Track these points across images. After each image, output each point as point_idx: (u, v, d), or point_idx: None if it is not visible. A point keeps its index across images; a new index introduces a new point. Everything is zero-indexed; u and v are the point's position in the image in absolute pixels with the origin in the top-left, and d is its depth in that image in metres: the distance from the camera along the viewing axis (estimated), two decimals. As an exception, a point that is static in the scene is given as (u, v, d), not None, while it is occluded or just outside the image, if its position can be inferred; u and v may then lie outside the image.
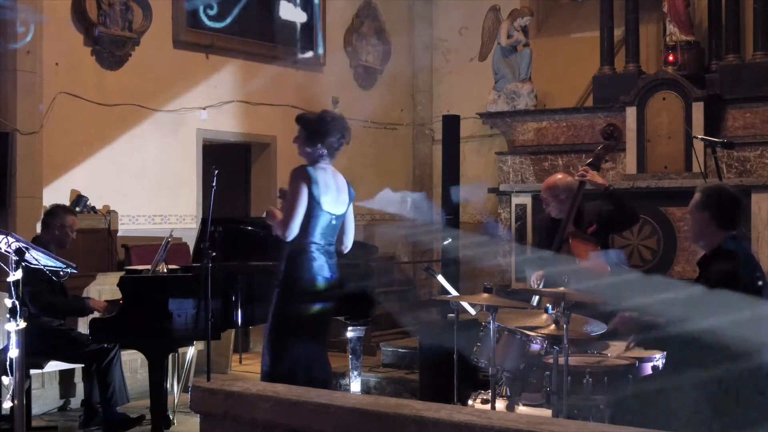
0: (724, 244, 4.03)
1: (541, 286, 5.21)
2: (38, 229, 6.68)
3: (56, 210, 6.16)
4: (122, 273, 6.01)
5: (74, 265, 4.80)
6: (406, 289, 10.03)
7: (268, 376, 4.65)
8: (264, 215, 4.87)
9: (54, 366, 6.03)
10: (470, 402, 4.70)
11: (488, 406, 4.42)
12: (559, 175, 5.66)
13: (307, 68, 10.07)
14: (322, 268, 4.74)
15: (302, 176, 4.68)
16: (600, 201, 5.43)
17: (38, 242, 5.50)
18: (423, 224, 9.71)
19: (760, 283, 3.94)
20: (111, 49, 8.17)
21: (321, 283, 4.75)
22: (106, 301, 6.09)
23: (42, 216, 6.40)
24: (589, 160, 5.60)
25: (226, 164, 8.67)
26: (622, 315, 4.17)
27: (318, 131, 4.75)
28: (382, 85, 11.08)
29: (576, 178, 5.38)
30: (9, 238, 4.38)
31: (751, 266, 4.04)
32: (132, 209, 8.33)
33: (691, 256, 7.89)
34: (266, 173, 9.61)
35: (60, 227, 6.00)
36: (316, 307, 4.78)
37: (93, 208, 7.90)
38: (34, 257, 4.48)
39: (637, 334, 4.22)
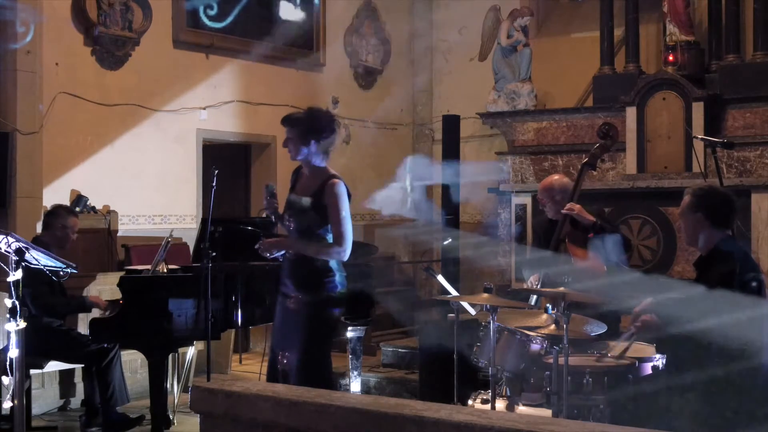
0: (721, 245, 4.02)
1: (539, 287, 5.21)
2: (38, 229, 6.68)
3: (58, 210, 6.15)
4: (122, 273, 6.01)
5: (74, 265, 4.80)
6: (406, 289, 10.03)
7: (305, 380, 4.48)
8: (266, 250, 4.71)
9: (54, 366, 6.03)
10: (470, 402, 4.70)
11: (488, 406, 4.42)
12: (555, 176, 5.66)
13: (307, 68, 10.07)
14: (343, 271, 4.76)
15: (346, 190, 4.61)
16: (597, 206, 5.43)
17: (38, 242, 5.49)
18: (423, 224, 9.73)
19: (758, 282, 3.94)
20: (111, 49, 8.17)
21: (345, 284, 4.76)
22: (107, 300, 6.09)
23: (42, 216, 6.40)
24: (585, 160, 5.60)
25: (226, 164, 8.67)
26: (644, 318, 4.15)
27: (312, 128, 4.63)
28: (382, 85, 11.07)
29: (562, 212, 5.33)
30: (9, 238, 4.38)
31: (749, 265, 4.04)
32: (132, 209, 8.33)
33: (691, 256, 7.88)
34: (266, 173, 9.61)
35: (61, 228, 5.99)
36: (341, 311, 4.81)
37: (93, 208, 7.89)
38: (34, 257, 4.48)
39: (655, 335, 4.22)
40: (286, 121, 4.70)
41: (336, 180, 4.60)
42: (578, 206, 5.29)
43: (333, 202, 4.57)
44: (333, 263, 4.66)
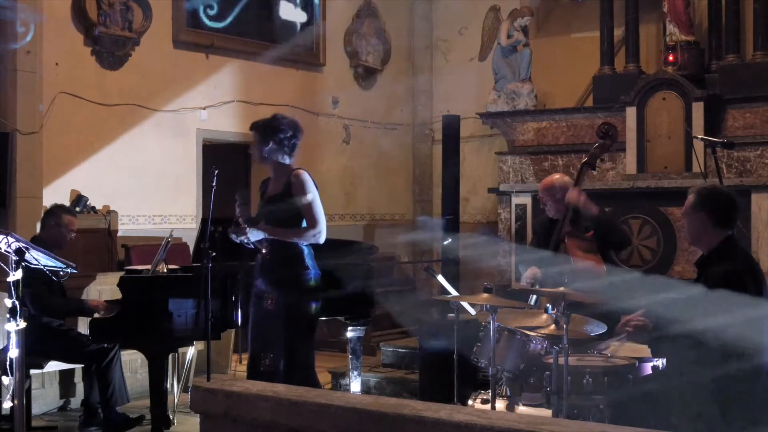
0: (723, 244, 4.03)
1: (536, 286, 5.21)
2: (38, 229, 6.68)
3: (54, 209, 6.16)
4: (122, 273, 6.01)
5: (74, 265, 4.80)
6: (406, 289, 10.03)
7: (293, 378, 4.60)
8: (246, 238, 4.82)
9: (54, 366, 6.03)
10: (470, 402, 4.70)
11: (488, 406, 4.42)
12: (556, 176, 5.66)
13: (307, 68, 10.07)
14: (316, 268, 4.85)
15: (311, 179, 4.83)
16: (597, 206, 5.43)
17: (36, 242, 5.49)
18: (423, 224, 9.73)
19: (759, 282, 3.94)
20: (111, 49, 8.17)
21: (319, 278, 4.84)
22: (106, 301, 6.08)
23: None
24: (584, 160, 5.61)
25: (226, 164, 8.66)
26: (635, 322, 4.15)
27: (267, 129, 4.90)
28: (382, 85, 11.07)
29: (567, 200, 5.33)
30: (9, 238, 4.38)
31: (749, 266, 4.04)
32: (132, 209, 8.33)
33: (691, 257, 7.88)
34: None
35: (55, 226, 5.99)
36: (318, 304, 4.87)
37: (93, 208, 7.89)
38: (34, 257, 4.48)
39: (646, 337, 4.22)
40: (251, 126, 5.02)
41: (300, 171, 4.85)
42: (584, 196, 5.30)
43: (301, 190, 4.77)
44: (307, 260, 4.79)
